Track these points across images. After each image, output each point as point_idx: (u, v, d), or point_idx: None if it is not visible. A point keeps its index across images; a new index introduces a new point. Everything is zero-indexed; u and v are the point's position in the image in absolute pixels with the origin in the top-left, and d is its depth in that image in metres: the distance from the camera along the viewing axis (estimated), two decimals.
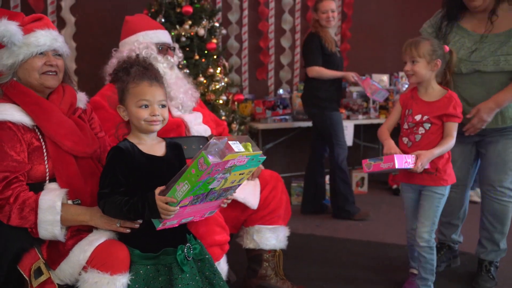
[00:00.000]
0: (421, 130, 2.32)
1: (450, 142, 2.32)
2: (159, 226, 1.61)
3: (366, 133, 5.34)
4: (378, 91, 3.88)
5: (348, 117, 4.78)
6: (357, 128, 4.95)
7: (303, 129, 4.65)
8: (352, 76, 3.88)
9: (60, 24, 3.98)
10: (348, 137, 4.54)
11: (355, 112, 4.81)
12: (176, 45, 2.71)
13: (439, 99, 2.32)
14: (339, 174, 3.96)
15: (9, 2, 3.76)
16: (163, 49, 2.52)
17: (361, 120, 4.82)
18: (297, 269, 2.90)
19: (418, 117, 2.33)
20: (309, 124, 4.46)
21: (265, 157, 1.64)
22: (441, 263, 2.85)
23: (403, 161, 2.22)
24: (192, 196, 1.55)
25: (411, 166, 2.26)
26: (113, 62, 2.44)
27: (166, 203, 1.54)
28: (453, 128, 2.32)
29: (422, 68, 2.31)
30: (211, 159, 1.44)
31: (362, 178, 4.96)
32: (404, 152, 2.35)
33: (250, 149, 1.55)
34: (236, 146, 1.51)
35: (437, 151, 2.29)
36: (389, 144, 2.36)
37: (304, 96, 4.07)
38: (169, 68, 2.47)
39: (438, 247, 2.86)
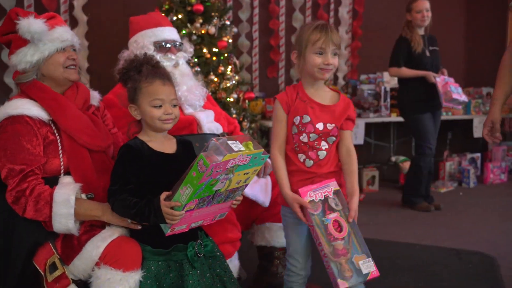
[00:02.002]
0: (324, 145, 1.82)
1: (355, 157, 1.86)
2: (168, 232, 1.60)
3: (377, 132, 5.32)
4: (452, 99, 3.97)
5: (359, 115, 4.76)
6: (368, 126, 4.93)
7: None
8: (433, 76, 3.97)
9: (73, 23, 4.01)
10: (359, 135, 4.54)
11: (366, 111, 4.78)
12: (186, 40, 2.61)
13: (337, 102, 1.84)
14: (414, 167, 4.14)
15: (23, 1, 3.80)
16: (163, 47, 2.43)
17: (372, 118, 4.79)
18: None
19: (320, 126, 1.80)
20: None
21: (268, 154, 1.62)
22: None
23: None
24: (197, 199, 1.54)
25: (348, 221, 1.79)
26: (121, 63, 2.44)
27: (172, 208, 1.53)
28: (351, 137, 1.87)
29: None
30: (209, 160, 1.44)
31: (373, 177, 4.94)
32: (302, 171, 1.84)
33: (251, 147, 1.53)
34: (236, 145, 1.50)
35: (357, 182, 1.82)
36: (293, 196, 1.81)
37: (397, 98, 4.45)
38: (173, 66, 2.39)
39: None
